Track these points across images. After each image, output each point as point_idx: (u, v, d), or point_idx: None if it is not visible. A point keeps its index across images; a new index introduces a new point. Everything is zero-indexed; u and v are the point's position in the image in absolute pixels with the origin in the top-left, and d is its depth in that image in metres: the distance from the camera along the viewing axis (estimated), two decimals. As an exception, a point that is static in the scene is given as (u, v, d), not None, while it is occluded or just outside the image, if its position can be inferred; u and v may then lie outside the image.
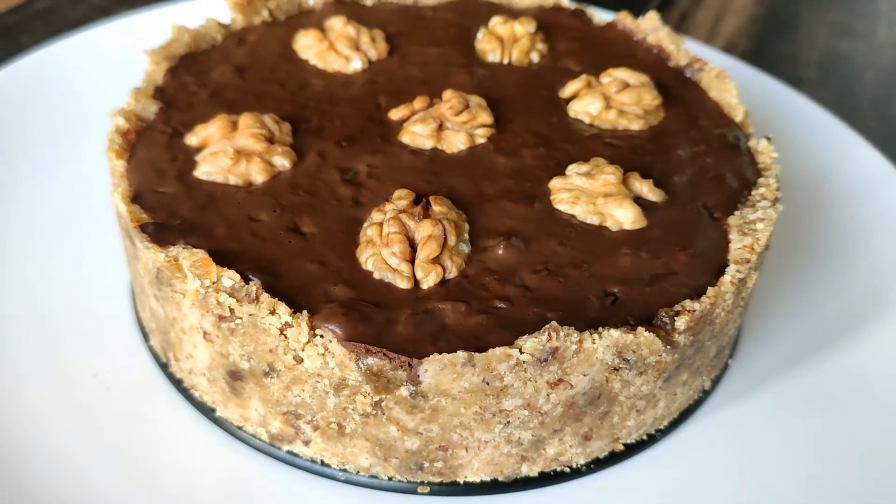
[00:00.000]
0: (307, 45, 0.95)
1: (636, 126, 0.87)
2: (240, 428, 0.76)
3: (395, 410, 0.66)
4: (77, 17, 1.37)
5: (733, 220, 0.77)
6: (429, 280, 0.68)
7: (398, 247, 0.69)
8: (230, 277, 0.66)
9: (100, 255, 0.92)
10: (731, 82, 0.94)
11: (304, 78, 0.91)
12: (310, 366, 0.65)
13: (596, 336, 0.65)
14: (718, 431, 0.81)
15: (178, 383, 0.80)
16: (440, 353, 0.63)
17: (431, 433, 0.68)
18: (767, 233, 0.76)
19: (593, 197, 0.76)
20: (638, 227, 0.75)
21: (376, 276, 0.69)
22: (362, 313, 0.65)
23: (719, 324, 0.74)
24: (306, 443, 0.73)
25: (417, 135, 0.82)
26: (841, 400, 0.85)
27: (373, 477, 0.73)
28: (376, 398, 0.66)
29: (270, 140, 0.80)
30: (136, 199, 0.74)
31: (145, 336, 0.84)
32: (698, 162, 0.84)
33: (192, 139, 0.81)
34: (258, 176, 0.77)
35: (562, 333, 0.63)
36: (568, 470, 0.76)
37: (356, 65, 0.93)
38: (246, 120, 0.80)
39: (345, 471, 0.73)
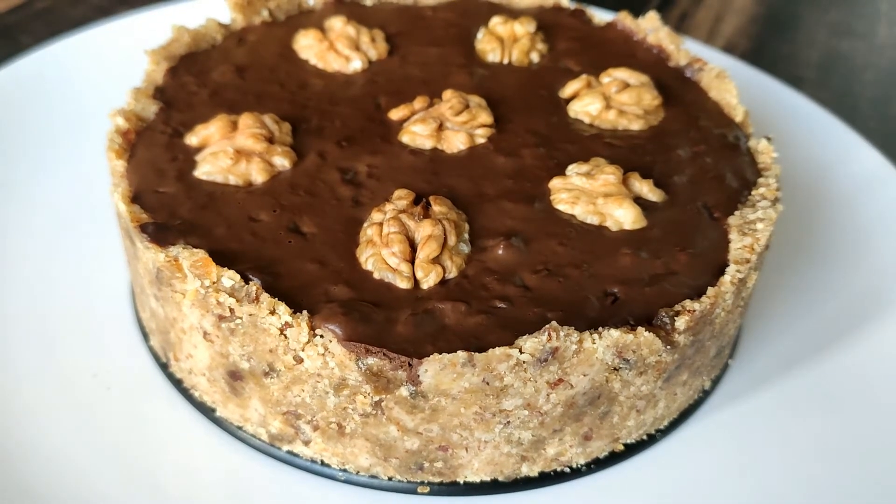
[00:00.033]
0: (307, 45, 0.95)
1: (636, 126, 0.87)
2: (240, 428, 0.76)
3: (395, 410, 0.66)
4: (77, 17, 1.37)
5: (733, 220, 0.77)
6: (429, 280, 0.68)
7: (398, 247, 0.69)
8: (230, 277, 0.66)
9: (100, 255, 0.92)
10: (731, 82, 0.94)
11: (304, 78, 0.91)
12: (310, 366, 0.65)
13: (596, 336, 0.65)
14: (718, 431, 0.81)
15: (178, 383, 0.80)
16: (440, 353, 0.63)
17: (431, 433, 0.68)
18: (767, 233, 0.76)
19: (593, 197, 0.76)
20: (638, 227, 0.75)
21: (376, 276, 0.69)
22: (362, 313, 0.65)
23: (719, 324, 0.74)
24: (306, 443, 0.73)
25: (417, 135, 0.82)
26: (841, 400, 0.85)
27: (373, 477, 0.73)
28: (376, 398, 0.66)
29: (270, 140, 0.80)
30: (136, 199, 0.74)
31: (145, 336, 0.84)
32: (698, 162, 0.84)
33: (192, 139, 0.81)
34: (258, 176, 0.77)
35: (562, 333, 0.63)
36: (568, 470, 0.76)
37: (356, 65, 0.93)
38: (246, 120, 0.80)
39: (345, 471, 0.73)
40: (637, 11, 1.06)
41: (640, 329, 0.66)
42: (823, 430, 0.82)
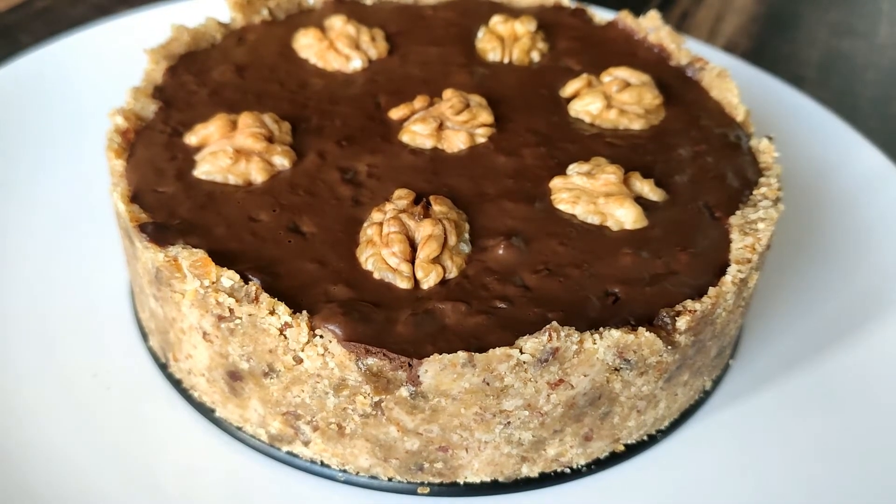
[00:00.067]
0: (307, 45, 0.95)
1: (637, 125, 0.87)
2: (239, 428, 0.76)
3: (395, 411, 0.66)
4: (77, 16, 1.37)
5: (734, 220, 0.77)
6: (429, 280, 0.68)
7: (398, 247, 0.69)
8: (229, 277, 0.66)
9: (100, 255, 0.92)
10: (732, 82, 0.94)
11: (304, 77, 0.91)
12: (309, 366, 0.65)
13: (597, 336, 0.65)
14: (719, 432, 0.81)
15: (177, 383, 0.80)
16: (440, 354, 0.62)
17: (431, 434, 0.68)
18: (769, 232, 0.76)
19: (594, 196, 0.76)
20: (639, 227, 0.75)
21: (376, 276, 0.69)
22: (362, 313, 0.65)
23: (720, 324, 0.74)
24: (306, 443, 0.72)
25: (418, 134, 0.82)
26: (841, 400, 0.85)
27: (373, 477, 0.73)
28: (376, 399, 0.66)
29: (270, 139, 0.79)
30: (135, 198, 0.74)
31: (145, 336, 0.84)
32: (699, 161, 0.84)
33: (191, 138, 0.81)
34: (258, 175, 0.77)
35: (562, 334, 0.63)
36: (568, 470, 0.75)
37: (356, 64, 0.93)
38: (245, 119, 0.80)
39: (344, 471, 0.73)
40: (638, 11, 1.06)
41: (641, 329, 0.66)
42: (824, 430, 0.82)
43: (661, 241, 0.74)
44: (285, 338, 0.65)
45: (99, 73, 1.14)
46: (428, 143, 0.82)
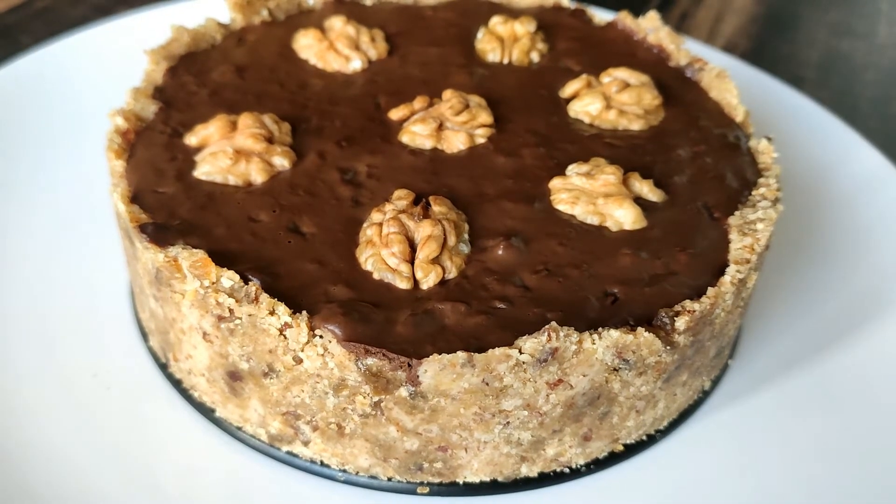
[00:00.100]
0: (307, 45, 0.95)
1: (636, 126, 0.87)
2: (239, 428, 0.76)
3: (395, 411, 0.66)
4: (77, 16, 1.37)
5: (733, 221, 0.77)
6: (428, 280, 0.68)
7: (398, 247, 0.69)
8: (229, 278, 0.66)
9: (100, 255, 0.92)
10: (731, 82, 0.94)
11: (304, 78, 0.91)
12: (309, 366, 0.65)
13: (596, 336, 0.65)
14: (718, 432, 0.81)
15: (177, 383, 0.80)
16: (440, 354, 0.62)
17: (431, 434, 0.68)
18: (768, 233, 0.76)
19: (593, 197, 0.76)
20: (638, 228, 0.75)
21: (376, 276, 0.69)
22: (362, 314, 0.65)
23: (719, 324, 0.74)
24: (306, 443, 0.73)
25: (417, 135, 0.82)
26: (841, 400, 0.85)
27: (372, 477, 0.73)
28: (376, 399, 0.66)
29: (270, 140, 0.79)
30: (135, 199, 0.74)
31: (145, 336, 0.84)
32: (698, 162, 0.84)
33: (191, 139, 0.81)
34: (258, 176, 0.77)
35: (561, 334, 0.63)
36: (567, 470, 0.76)
37: (356, 64, 0.93)
38: (245, 120, 0.80)
39: (344, 471, 0.73)
40: (637, 11, 1.06)
41: (640, 329, 0.66)
42: (823, 430, 0.82)
43: (660, 242, 0.74)
44: (285, 338, 0.65)
45: (99, 74, 1.14)
46: (427, 144, 0.82)
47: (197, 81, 0.89)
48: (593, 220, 0.75)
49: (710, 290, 0.70)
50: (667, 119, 0.90)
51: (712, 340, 0.75)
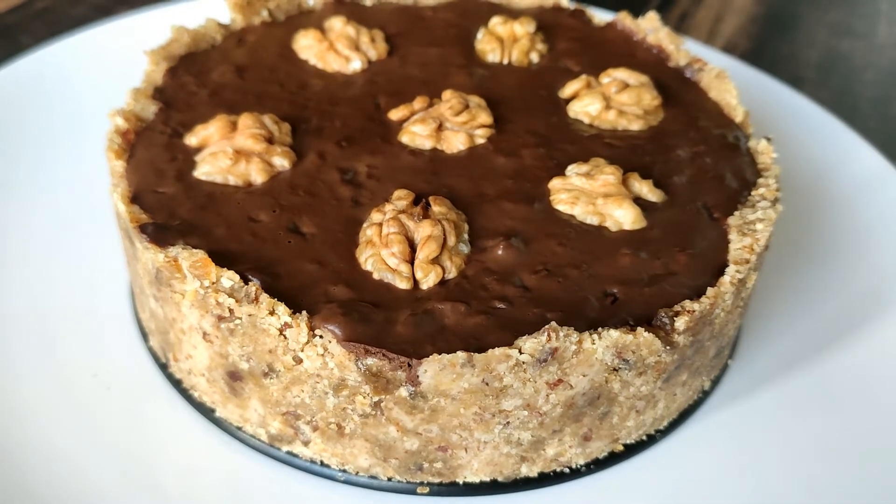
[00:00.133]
0: (307, 46, 0.95)
1: (636, 126, 0.87)
2: (239, 428, 0.76)
3: (395, 411, 0.66)
4: (77, 16, 1.37)
5: (733, 221, 0.77)
6: (428, 280, 0.68)
7: (398, 247, 0.69)
8: (229, 278, 0.66)
9: (100, 255, 0.92)
10: (730, 82, 0.94)
11: (304, 78, 0.91)
12: (309, 366, 0.65)
13: (595, 336, 0.65)
14: (718, 432, 0.81)
15: (177, 384, 0.80)
16: (440, 354, 0.62)
17: (431, 434, 0.68)
18: (767, 233, 0.76)
19: (593, 197, 0.76)
20: (637, 228, 0.75)
21: (376, 276, 0.69)
22: (362, 314, 0.65)
23: (719, 324, 0.74)
24: (306, 443, 0.73)
25: (417, 135, 0.82)
26: (841, 400, 0.85)
27: (372, 477, 0.73)
28: (375, 399, 0.66)
29: (270, 140, 0.80)
30: (135, 199, 0.74)
31: (145, 336, 0.84)
32: (698, 162, 0.84)
33: (191, 139, 0.81)
34: (258, 176, 0.77)
35: (561, 334, 0.63)
36: (567, 470, 0.76)
37: (356, 65, 0.93)
38: (245, 120, 0.80)
39: (344, 471, 0.73)
40: (637, 11, 1.06)
41: (640, 329, 0.66)
42: (823, 430, 0.82)
43: (659, 242, 0.74)
44: (285, 338, 0.65)
45: (99, 74, 1.14)
46: (427, 144, 0.82)
47: (197, 82, 0.89)
48: (593, 220, 0.75)
49: (710, 291, 0.70)
50: (666, 119, 0.90)
51: (712, 340, 0.75)
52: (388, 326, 0.65)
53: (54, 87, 1.13)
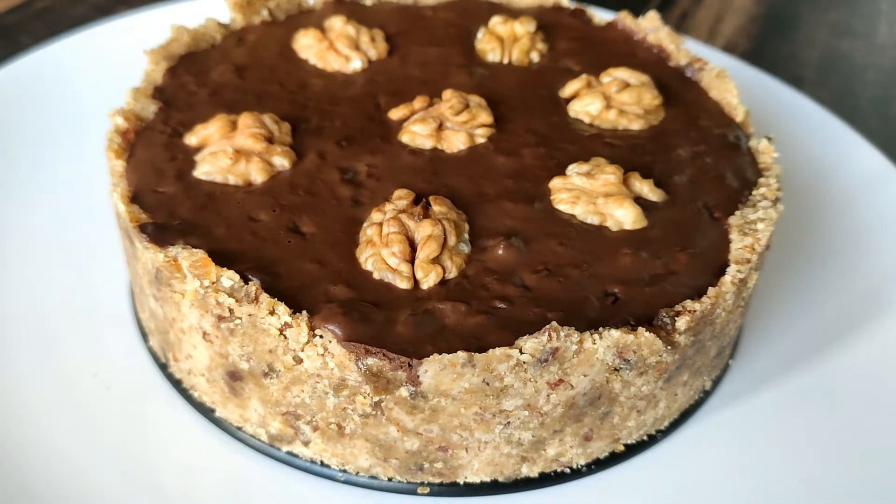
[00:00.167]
0: (307, 45, 0.95)
1: (636, 126, 0.87)
2: (239, 428, 0.76)
3: (395, 411, 0.66)
4: (77, 16, 1.37)
5: (734, 220, 0.77)
6: (429, 280, 0.68)
7: (398, 247, 0.69)
8: (229, 277, 0.66)
9: (100, 255, 0.92)
10: (731, 82, 0.94)
11: (304, 78, 0.91)
12: (309, 366, 0.65)
13: (596, 336, 0.65)
14: (719, 432, 0.81)
15: (177, 383, 0.80)
16: (440, 354, 0.62)
17: (431, 434, 0.68)
18: (768, 233, 0.76)
19: (593, 197, 0.76)
20: (638, 227, 0.75)
21: (376, 276, 0.69)
22: (362, 313, 0.65)
23: (720, 324, 0.74)
24: (306, 443, 0.72)
25: (417, 134, 0.82)
26: (841, 400, 0.85)
27: (372, 478, 0.73)
28: (376, 399, 0.66)
29: (270, 140, 0.79)
30: (135, 198, 0.74)
31: (145, 336, 0.84)
32: (699, 162, 0.84)
33: (191, 139, 0.81)
34: (257, 176, 0.77)
35: (562, 334, 0.63)
36: (568, 470, 0.75)
37: (356, 64, 0.93)
38: (245, 120, 0.80)
39: (344, 471, 0.73)
40: (637, 11, 1.06)
41: (641, 329, 0.66)
42: (823, 430, 0.82)
43: (660, 242, 0.74)
44: (285, 338, 0.65)
45: (99, 74, 1.14)
46: (427, 144, 0.82)
47: (197, 81, 0.89)
48: (593, 219, 0.75)
49: (711, 290, 0.70)
50: (667, 119, 0.90)
51: (713, 340, 0.75)
52: (388, 326, 0.65)
53: (54, 86, 1.13)
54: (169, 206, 0.73)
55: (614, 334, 0.65)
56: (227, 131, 0.80)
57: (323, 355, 0.64)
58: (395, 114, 0.86)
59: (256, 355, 0.68)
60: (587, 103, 0.88)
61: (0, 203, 0.97)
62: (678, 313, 0.68)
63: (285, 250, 0.70)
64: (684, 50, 1.00)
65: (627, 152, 0.84)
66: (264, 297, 0.65)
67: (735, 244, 0.75)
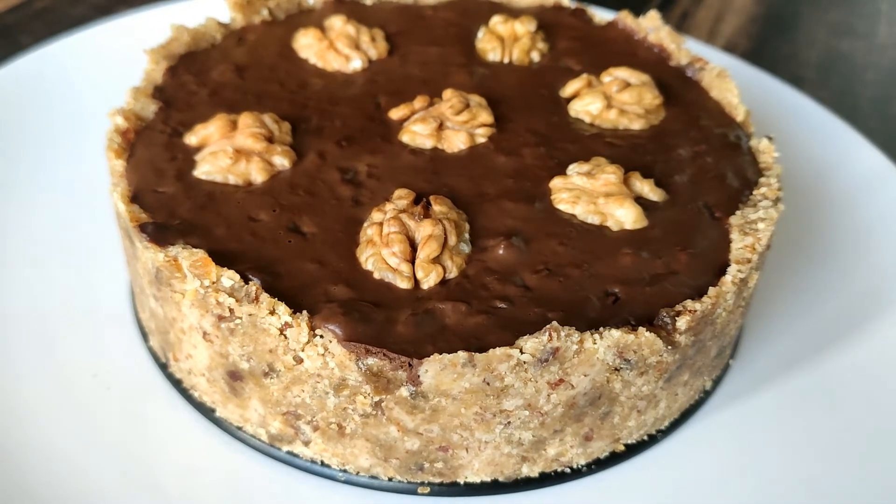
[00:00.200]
0: (307, 45, 0.95)
1: (637, 125, 0.87)
2: (239, 428, 0.76)
3: (396, 411, 0.66)
4: (77, 16, 1.37)
5: (734, 220, 0.77)
6: (429, 280, 0.68)
7: (398, 247, 0.69)
8: (230, 277, 0.66)
9: (100, 255, 0.92)
10: (731, 82, 0.94)
11: (304, 77, 0.91)
12: (310, 366, 0.65)
13: (597, 336, 0.65)
14: (719, 432, 0.81)
15: (177, 383, 0.80)
16: (440, 354, 0.62)
17: (432, 433, 0.68)
18: (769, 232, 0.76)
19: (594, 196, 0.76)
20: (639, 227, 0.75)
21: (376, 276, 0.69)
22: (362, 313, 0.65)
23: (720, 324, 0.74)
24: (306, 443, 0.72)
25: (418, 134, 0.82)
26: (841, 400, 0.85)
27: (373, 477, 0.73)
28: (376, 398, 0.66)
29: (270, 139, 0.79)
30: (135, 198, 0.74)
31: (145, 336, 0.84)
32: (699, 161, 0.84)
33: (191, 139, 0.81)
34: (258, 175, 0.77)
35: (562, 333, 0.63)
36: (569, 470, 0.75)
37: (356, 64, 0.93)
38: (245, 119, 0.80)
39: (345, 471, 0.73)
40: (638, 11, 1.06)
41: (641, 329, 0.66)
42: (824, 430, 0.82)
43: (661, 241, 0.74)
44: (285, 338, 0.65)
45: (99, 73, 1.14)
46: (428, 144, 0.82)
47: (197, 81, 0.89)
48: (594, 219, 0.75)
49: (712, 290, 0.70)
50: (667, 118, 0.89)
51: (713, 340, 0.75)
52: (388, 326, 0.65)
53: (54, 86, 1.13)
54: (169, 205, 0.73)
55: (615, 334, 0.65)
56: (227, 131, 0.80)
57: (323, 355, 0.64)
58: (395, 113, 0.86)
59: (257, 355, 0.68)
60: (588, 103, 0.88)
61: (0, 203, 0.97)
62: (679, 313, 0.68)
63: (285, 250, 0.70)
64: (685, 49, 1.00)
65: (628, 152, 0.84)
66: (264, 296, 0.65)
67: (736, 244, 0.75)
